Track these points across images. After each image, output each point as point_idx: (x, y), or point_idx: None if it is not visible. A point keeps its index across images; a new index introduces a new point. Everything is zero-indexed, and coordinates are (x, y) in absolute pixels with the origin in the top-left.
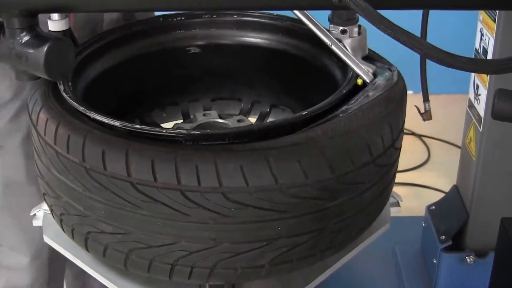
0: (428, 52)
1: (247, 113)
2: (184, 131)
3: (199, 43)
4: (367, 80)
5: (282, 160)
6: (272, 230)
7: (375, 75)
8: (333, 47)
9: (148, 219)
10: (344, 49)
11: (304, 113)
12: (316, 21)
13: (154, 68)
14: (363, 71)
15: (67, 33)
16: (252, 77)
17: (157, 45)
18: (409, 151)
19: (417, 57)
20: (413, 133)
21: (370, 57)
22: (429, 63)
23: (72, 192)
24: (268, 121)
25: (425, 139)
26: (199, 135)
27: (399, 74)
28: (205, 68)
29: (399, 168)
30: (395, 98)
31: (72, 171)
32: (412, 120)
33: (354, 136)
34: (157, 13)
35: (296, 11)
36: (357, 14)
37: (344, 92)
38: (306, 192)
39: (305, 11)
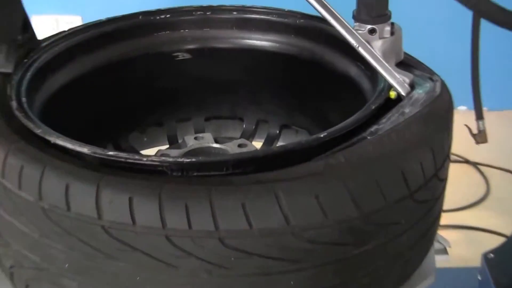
0: (474, 3)
1: (250, 136)
2: (171, 159)
3: (190, 47)
4: (403, 93)
5: (295, 196)
6: (283, 285)
7: (412, 86)
8: (361, 50)
9: (124, 273)
10: (374, 53)
11: (322, 135)
12: (340, 16)
13: (132, 80)
14: (397, 81)
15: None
16: (257, 90)
17: (136, 49)
18: (463, 183)
19: (468, 64)
20: (467, 161)
21: (406, 63)
22: (485, 73)
23: (25, 238)
24: (277, 145)
25: (482, 168)
26: (189, 164)
27: (443, 84)
28: (197, 79)
29: (449, 206)
30: (438, 115)
31: (26, 212)
32: (465, 144)
33: (386, 164)
34: (135, 10)
35: (315, 3)
36: (389, 10)
37: (373, 108)
38: (325, 236)
39: (326, 3)
